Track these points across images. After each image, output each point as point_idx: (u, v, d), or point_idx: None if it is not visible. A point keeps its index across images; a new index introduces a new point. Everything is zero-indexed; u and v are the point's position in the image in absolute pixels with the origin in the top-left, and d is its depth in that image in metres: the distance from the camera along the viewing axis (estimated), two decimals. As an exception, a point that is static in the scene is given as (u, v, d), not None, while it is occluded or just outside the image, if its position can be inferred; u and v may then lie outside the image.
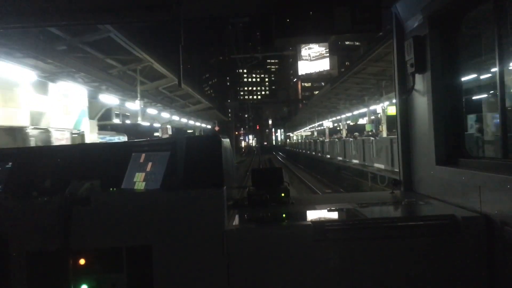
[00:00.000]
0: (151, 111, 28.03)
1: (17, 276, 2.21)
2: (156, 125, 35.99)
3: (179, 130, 46.06)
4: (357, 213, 2.55)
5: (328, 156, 32.48)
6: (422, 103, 2.97)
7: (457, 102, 2.81)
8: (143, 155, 2.68)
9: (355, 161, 23.65)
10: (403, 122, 3.28)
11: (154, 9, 3.02)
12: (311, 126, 66.05)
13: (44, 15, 3.05)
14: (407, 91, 3.16)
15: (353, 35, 3.11)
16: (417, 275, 2.26)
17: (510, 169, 2.18)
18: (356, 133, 30.58)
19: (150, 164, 2.61)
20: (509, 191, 2.07)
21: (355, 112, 35.04)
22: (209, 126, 54.00)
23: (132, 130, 36.53)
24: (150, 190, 2.46)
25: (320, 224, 2.33)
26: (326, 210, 2.70)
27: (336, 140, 30.46)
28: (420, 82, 2.97)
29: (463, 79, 2.81)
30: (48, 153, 2.88)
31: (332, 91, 33.59)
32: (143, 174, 2.59)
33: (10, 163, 2.74)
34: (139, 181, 2.58)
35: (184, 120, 38.85)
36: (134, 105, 23.08)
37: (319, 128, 58.72)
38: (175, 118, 35.38)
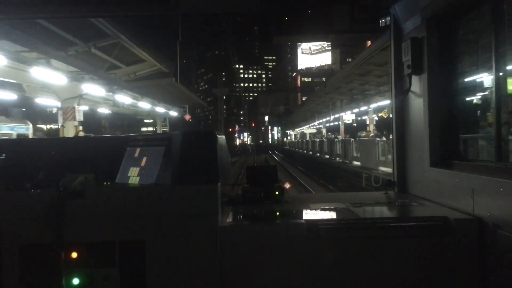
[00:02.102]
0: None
1: (9, 268, 2.20)
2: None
3: (121, 117, 31.57)
4: (351, 213, 2.56)
5: (357, 163, 21.05)
6: (418, 104, 2.97)
7: (452, 105, 2.82)
8: (138, 149, 2.68)
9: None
10: (399, 123, 3.29)
11: (152, 3, 3.01)
12: (320, 121, 50.57)
13: (39, 7, 3.02)
14: (404, 92, 3.17)
15: (351, 35, 3.11)
16: (409, 275, 2.27)
17: (503, 172, 2.19)
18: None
19: (144, 159, 2.60)
20: (502, 194, 2.08)
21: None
22: (176, 114, 34.61)
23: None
24: (144, 185, 2.46)
25: (313, 222, 2.34)
26: (320, 209, 2.71)
27: (377, 140, 18.02)
28: (417, 84, 2.98)
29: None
30: (42, 145, 2.86)
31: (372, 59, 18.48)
32: (138, 168, 2.59)
33: (4, 155, 2.72)
34: (133, 176, 2.58)
35: (118, 97, 20.66)
36: None
37: (333, 123, 43.36)
38: (89, 89, 17.31)
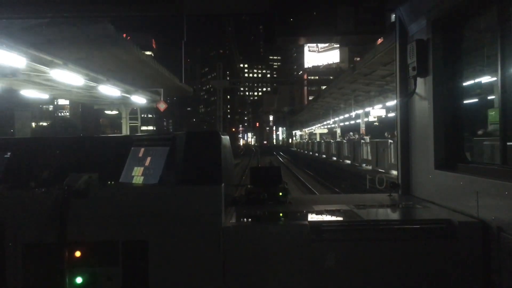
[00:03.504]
0: None
1: (12, 266, 2.21)
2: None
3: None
4: (354, 215, 2.56)
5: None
6: (423, 106, 2.97)
7: (457, 107, 2.82)
8: (142, 149, 2.69)
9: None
10: (404, 125, 3.29)
11: (157, 4, 3.01)
12: (334, 119, 43.12)
13: (44, 6, 3.03)
14: (408, 94, 3.16)
15: (356, 37, 3.11)
16: (412, 277, 2.26)
17: (508, 175, 2.18)
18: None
19: (149, 159, 2.61)
20: (506, 197, 2.07)
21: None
22: (144, 101, 25.69)
23: None
24: (148, 185, 2.47)
25: (316, 224, 2.33)
26: (323, 211, 2.71)
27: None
28: (422, 86, 2.97)
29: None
30: (47, 144, 2.88)
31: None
32: (142, 168, 2.60)
33: (9, 153, 2.74)
34: (138, 175, 2.59)
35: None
36: None
37: (350, 122, 36.78)
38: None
